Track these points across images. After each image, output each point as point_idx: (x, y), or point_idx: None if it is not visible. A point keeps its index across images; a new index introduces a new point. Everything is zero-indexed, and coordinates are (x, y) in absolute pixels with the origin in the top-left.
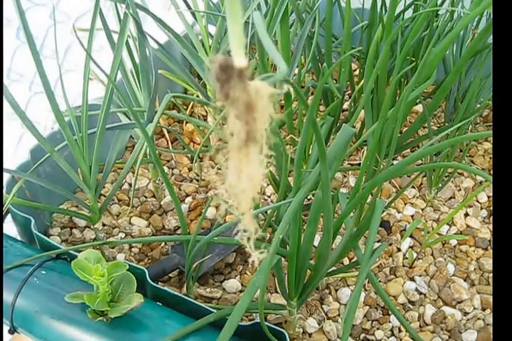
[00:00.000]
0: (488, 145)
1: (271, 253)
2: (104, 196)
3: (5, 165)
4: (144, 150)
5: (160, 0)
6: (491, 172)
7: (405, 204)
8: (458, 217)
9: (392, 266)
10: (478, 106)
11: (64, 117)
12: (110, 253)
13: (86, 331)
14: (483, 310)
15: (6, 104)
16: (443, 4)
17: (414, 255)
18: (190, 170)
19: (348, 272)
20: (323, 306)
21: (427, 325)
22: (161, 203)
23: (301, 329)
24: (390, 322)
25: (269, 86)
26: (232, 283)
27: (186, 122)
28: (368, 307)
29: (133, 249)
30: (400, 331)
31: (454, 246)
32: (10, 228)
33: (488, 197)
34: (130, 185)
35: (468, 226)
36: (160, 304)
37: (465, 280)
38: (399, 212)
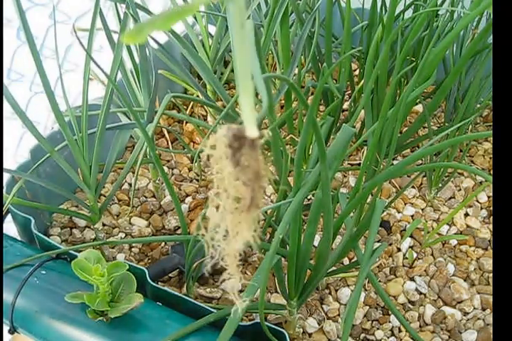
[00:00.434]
0: (488, 145)
1: (271, 253)
2: (104, 196)
3: (5, 165)
4: (143, 150)
5: (160, 0)
6: (491, 172)
7: (405, 204)
8: (458, 217)
9: (392, 266)
10: (478, 106)
11: (64, 117)
12: (110, 253)
13: (86, 331)
14: (483, 310)
15: (6, 104)
16: (443, 4)
17: (414, 255)
18: (190, 170)
19: (348, 272)
20: (323, 306)
21: (427, 325)
22: (161, 203)
23: (301, 329)
24: (390, 322)
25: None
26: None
27: (186, 122)
28: (368, 307)
29: (133, 249)
30: (400, 331)
31: (454, 246)
32: (10, 228)
33: (488, 197)
34: (130, 185)
35: (468, 226)
36: (160, 304)
37: (465, 280)
38: (399, 212)
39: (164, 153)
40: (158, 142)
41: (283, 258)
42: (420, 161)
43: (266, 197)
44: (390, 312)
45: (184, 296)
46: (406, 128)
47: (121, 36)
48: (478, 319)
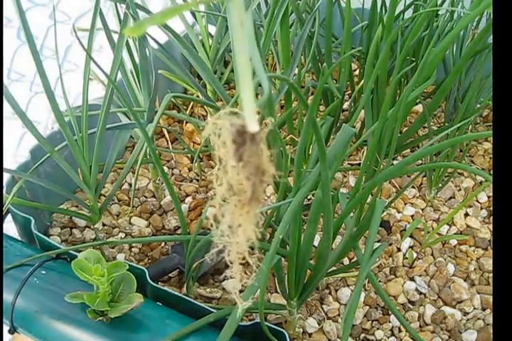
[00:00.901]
0: (488, 145)
1: (271, 253)
2: (104, 196)
3: (5, 165)
4: (143, 150)
5: (160, 0)
6: (491, 172)
7: (405, 204)
8: (458, 217)
9: (392, 266)
10: (478, 106)
11: (64, 117)
12: (110, 253)
13: (86, 331)
14: (483, 310)
15: (6, 104)
16: (443, 4)
17: (414, 255)
18: (190, 170)
19: (348, 272)
20: (323, 306)
21: (427, 325)
22: (161, 203)
23: (301, 329)
24: (390, 322)
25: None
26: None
27: (186, 122)
28: (368, 307)
29: (133, 249)
30: (400, 331)
31: (454, 246)
32: (10, 228)
33: (488, 197)
34: (130, 185)
35: (468, 226)
36: (160, 304)
37: (465, 280)
38: (399, 212)
39: (164, 153)
40: (158, 142)
41: (283, 258)
42: (420, 161)
43: (266, 197)
44: (390, 312)
45: (184, 296)
46: (406, 128)
47: (123, 30)
48: (478, 319)
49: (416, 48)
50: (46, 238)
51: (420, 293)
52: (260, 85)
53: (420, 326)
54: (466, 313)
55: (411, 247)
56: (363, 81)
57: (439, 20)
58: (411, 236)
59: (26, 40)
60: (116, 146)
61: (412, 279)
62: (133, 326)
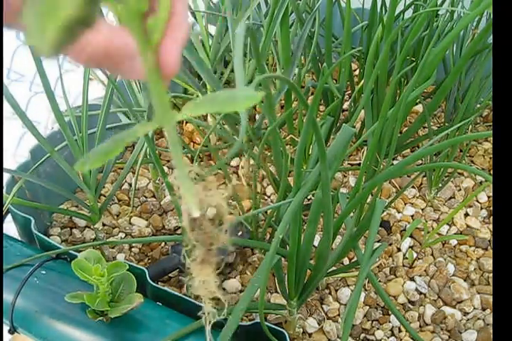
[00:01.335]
0: (488, 145)
1: (271, 253)
2: (104, 196)
3: (5, 165)
4: (143, 150)
5: None
6: (491, 172)
7: (405, 204)
8: (458, 217)
9: (392, 266)
10: (478, 106)
11: (64, 117)
12: (110, 253)
13: (86, 331)
14: (483, 310)
15: (6, 104)
16: (443, 4)
17: (414, 255)
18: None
19: (348, 272)
20: (323, 306)
21: (427, 325)
22: (161, 203)
23: (301, 329)
24: (390, 322)
25: None
26: (232, 283)
27: (186, 122)
28: (368, 307)
29: (133, 249)
30: (400, 331)
31: (454, 246)
32: (10, 228)
33: (488, 197)
34: (130, 185)
35: (468, 226)
36: (160, 304)
37: (465, 280)
38: (399, 212)
39: (164, 153)
40: (158, 142)
41: (283, 258)
42: (420, 161)
43: (266, 197)
44: (390, 312)
45: (184, 296)
46: (406, 128)
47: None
48: (478, 319)
49: (416, 48)
50: (46, 238)
51: (420, 293)
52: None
53: (420, 326)
54: (466, 313)
55: (411, 247)
56: (363, 81)
57: (439, 20)
58: (411, 236)
59: None
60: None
61: (412, 279)
62: (133, 326)
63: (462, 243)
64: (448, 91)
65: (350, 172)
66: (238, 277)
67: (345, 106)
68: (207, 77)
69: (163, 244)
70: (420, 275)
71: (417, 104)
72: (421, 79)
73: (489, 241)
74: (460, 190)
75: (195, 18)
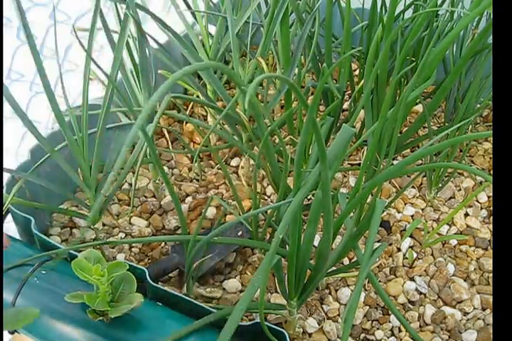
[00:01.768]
0: (488, 145)
1: (271, 253)
2: (105, 196)
3: (5, 165)
4: (144, 150)
5: (160, 0)
6: (491, 172)
7: (405, 204)
8: (458, 217)
9: (392, 266)
10: (478, 106)
11: (64, 117)
12: (110, 253)
13: (86, 331)
14: (483, 310)
15: (6, 104)
16: (443, 4)
17: (414, 255)
18: (190, 170)
19: (348, 272)
20: (323, 306)
21: (427, 325)
22: (161, 203)
23: (301, 329)
24: (390, 322)
25: None
26: (232, 283)
27: (186, 122)
28: (368, 307)
29: (133, 249)
30: (400, 331)
31: (454, 246)
32: (10, 228)
33: (488, 197)
34: (130, 185)
35: (468, 226)
36: (160, 304)
37: (465, 280)
38: (399, 212)
39: (164, 153)
40: (158, 142)
41: (283, 258)
42: (420, 161)
43: (266, 197)
44: (390, 312)
45: (184, 296)
46: (406, 128)
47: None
48: (478, 319)
49: (416, 48)
50: (46, 238)
51: (420, 293)
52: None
53: (420, 326)
54: (466, 313)
55: (411, 247)
56: (363, 81)
57: (439, 20)
58: (411, 236)
59: (26, 40)
60: (117, 146)
61: (412, 279)
62: (133, 326)
63: (462, 243)
64: (448, 91)
65: (350, 172)
66: (238, 277)
67: (345, 106)
68: (207, 77)
69: (163, 244)
70: (420, 275)
71: (417, 104)
72: (421, 79)
73: (489, 241)
74: (460, 190)
75: (195, 18)
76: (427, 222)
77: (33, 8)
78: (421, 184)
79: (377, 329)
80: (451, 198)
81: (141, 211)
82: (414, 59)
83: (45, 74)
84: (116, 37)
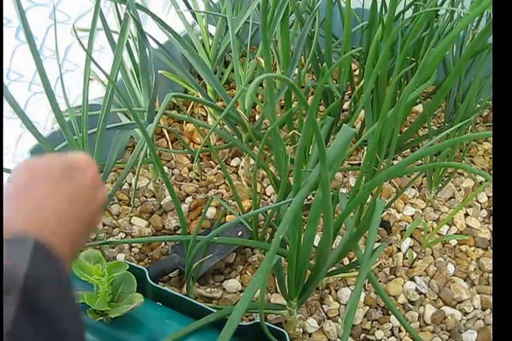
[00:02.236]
0: (488, 145)
1: (271, 253)
2: None
3: (5, 165)
4: (144, 150)
5: (160, 0)
6: (491, 172)
7: (405, 204)
8: (458, 217)
9: (392, 266)
10: (478, 106)
11: (64, 117)
12: (110, 253)
13: (86, 331)
14: (483, 310)
15: (5, 103)
16: (443, 4)
17: (414, 255)
18: (190, 170)
19: (348, 272)
20: (323, 306)
21: (427, 324)
22: (161, 203)
23: (301, 329)
24: (390, 322)
25: None
26: (232, 283)
27: (186, 122)
28: (368, 307)
29: (133, 249)
30: (400, 331)
31: (454, 246)
32: None
33: (488, 197)
34: (130, 185)
35: (468, 226)
36: (160, 304)
37: (465, 280)
38: (399, 212)
39: (164, 153)
40: (158, 142)
41: (283, 258)
42: (420, 161)
43: (266, 197)
44: (390, 312)
45: (184, 296)
46: (406, 128)
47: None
48: (478, 319)
49: (416, 48)
50: None
51: (420, 293)
52: (261, 85)
53: (420, 326)
54: (466, 313)
55: (411, 247)
56: (363, 81)
57: (439, 20)
58: (411, 236)
59: (26, 40)
60: (117, 146)
61: (412, 279)
62: (133, 326)
63: (462, 243)
64: (448, 92)
65: (350, 172)
66: (238, 277)
67: (345, 106)
68: (207, 77)
69: (163, 244)
70: (420, 276)
71: (417, 104)
72: (421, 79)
73: (489, 241)
74: (460, 190)
75: (195, 18)
76: (427, 222)
77: (33, 8)
78: (421, 184)
79: (377, 329)
80: (451, 198)
81: (141, 211)
82: (414, 59)
83: (45, 74)
84: (116, 37)
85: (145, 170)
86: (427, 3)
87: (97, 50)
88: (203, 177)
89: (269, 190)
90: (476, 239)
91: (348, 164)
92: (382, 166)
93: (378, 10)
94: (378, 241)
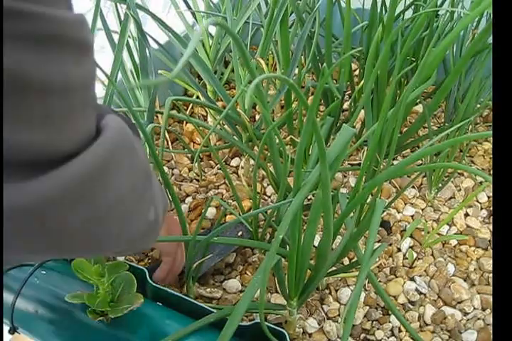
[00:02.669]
0: (488, 146)
1: (271, 254)
2: None
3: None
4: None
5: (160, 0)
6: (491, 172)
7: (405, 204)
8: (458, 217)
9: (392, 266)
10: (478, 106)
11: None
12: None
13: (86, 331)
14: (483, 310)
15: None
16: (443, 4)
17: (414, 255)
18: (190, 170)
19: (348, 272)
20: (323, 306)
21: (427, 325)
22: None
23: (301, 330)
24: (390, 322)
25: None
26: (233, 283)
27: (186, 122)
28: (368, 307)
29: None
30: (400, 331)
31: (454, 246)
32: None
33: (488, 197)
34: None
35: (468, 226)
36: (160, 304)
37: (465, 281)
38: (399, 212)
39: (164, 153)
40: (158, 142)
41: (283, 258)
42: (420, 161)
43: (266, 198)
44: (390, 313)
45: (184, 296)
46: (406, 129)
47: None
48: (478, 319)
49: (416, 48)
50: None
51: (420, 293)
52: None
53: (420, 326)
54: (466, 313)
55: (411, 247)
56: (363, 81)
57: (439, 20)
58: (411, 236)
59: None
60: None
61: (412, 279)
62: (133, 326)
63: (462, 243)
64: (448, 92)
65: (350, 172)
66: (238, 277)
67: (346, 106)
68: (207, 77)
69: None
70: (420, 276)
71: (417, 104)
72: (421, 79)
73: (489, 241)
74: (460, 190)
75: (195, 18)
76: (427, 222)
77: None
78: (421, 184)
79: (378, 329)
80: (451, 198)
81: None
82: (414, 59)
83: None
84: (116, 37)
85: None
86: (427, 4)
87: (97, 50)
88: (203, 177)
89: (269, 190)
90: (476, 239)
91: (348, 164)
92: (382, 166)
93: (378, 10)
94: (378, 241)
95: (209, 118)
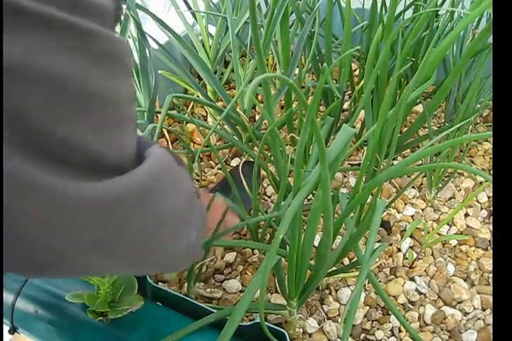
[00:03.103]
0: (488, 146)
1: (271, 254)
2: None
3: None
4: None
5: (160, 0)
6: (491, 172)
7: (405, 204)
8: (458, 217)
9: (392, 266)
10: (478, 106)
11: None
12: None
13: (86, 331)
14: (483, 310)
15: None
16: (443, 4)
17: (414, 255)
18: (190, 170)
19: (348, 272)
20: (323, 306)
21: (427, 325)
22: None
23: (301, 330)
24: (390, 322)
25: None
26: (233, 283)
27: (186, 122)
28: (368, 307)
29: None
30: (400, 331)
31: (454, 246)
32: None
33: (488, 197)
34: None
35: (468, 226)
36: (160, 304)
37: (465, 281)
38: (399, 212)
39: None
40: (158, 142)
41: (283, 258)
42: (420, 161)
43: (266, 198)
44: (390, 313)
45: (184, 296)
46: (406, 129)
47: (124, 30)
48: (478, 319)
49: (416, 48)
50: None
51: (420, 293)
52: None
53: (420, 326)
54: (466, 313)
55: (411, 247)
56: (363, 81)
57: (439, 20)
58: (411, 237)
59: None
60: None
61: (412, 279)
62: (133, 326)
63: (462, 243)
64: (448, 92)
65: (350, 172)
66: (238, 277)
67: (346, 106)
68: (207, 77)
69: None
70: (420, 276)
71: (417, 104)
72: (421, 79)
73: (489, 241)
74: (460, 190)
75: (195, 18)
76: (427, 222)
77: None
78: (421, 184)
79: (378, 329)
80: (451, 198)
81: None
82: (414, 59)
83: None
84: None
85: None
86: (427, 4)
87: None
88: (203, 177)
89: (269, 190)
90: (476, 239)
91: (348, 164)
92: (382, 166)
93: (378, 10)
94: (378, 241)
95: (209, 118)
